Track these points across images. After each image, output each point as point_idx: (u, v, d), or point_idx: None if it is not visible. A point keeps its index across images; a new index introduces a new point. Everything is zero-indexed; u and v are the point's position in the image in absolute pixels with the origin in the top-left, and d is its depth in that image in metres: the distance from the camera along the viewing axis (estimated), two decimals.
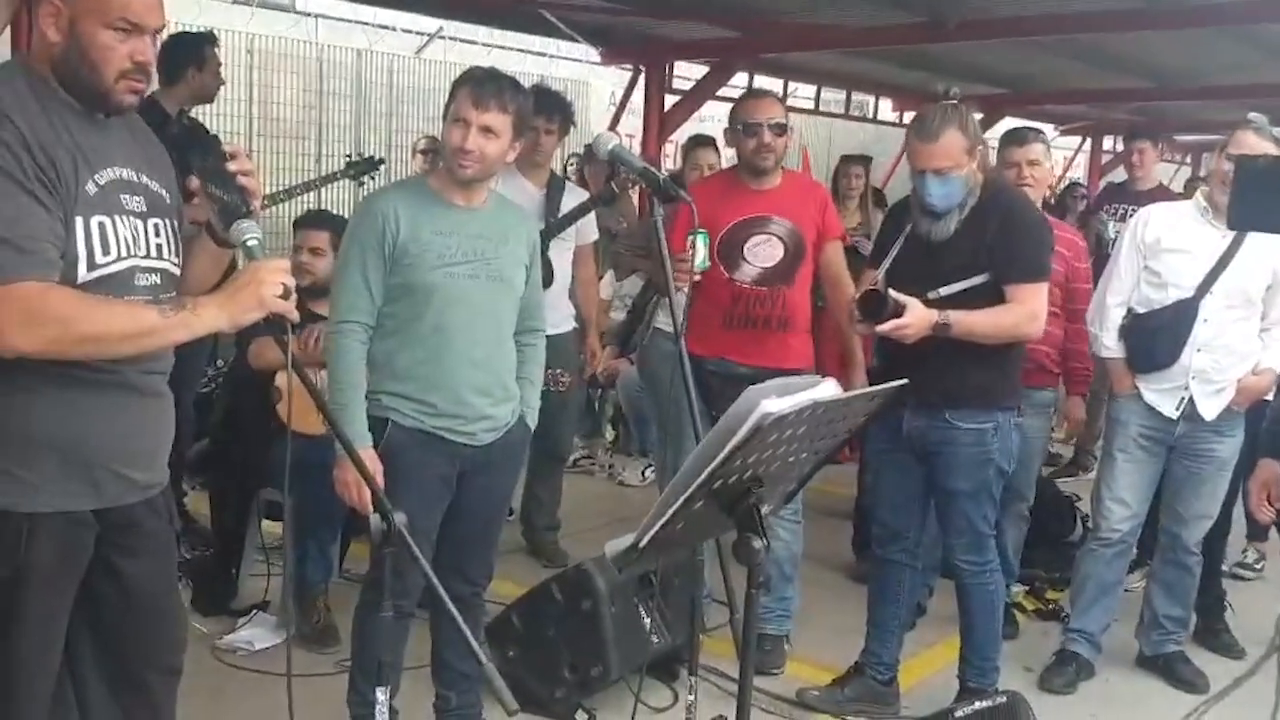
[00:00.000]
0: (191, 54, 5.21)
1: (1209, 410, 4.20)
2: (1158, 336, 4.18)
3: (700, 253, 3.96)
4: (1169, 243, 4.19)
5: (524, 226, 3.46)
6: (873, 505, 4.12)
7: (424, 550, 3.33)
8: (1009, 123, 12.38)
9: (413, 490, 3.17)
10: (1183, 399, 4.20)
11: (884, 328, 3.58)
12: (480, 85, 3.20)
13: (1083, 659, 4.43)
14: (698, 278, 3.97)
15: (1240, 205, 3.90)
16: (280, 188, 6.12)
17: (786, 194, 4.30)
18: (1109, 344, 4.32)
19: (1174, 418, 4.22)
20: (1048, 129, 9.89)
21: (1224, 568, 5.16)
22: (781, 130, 4.23)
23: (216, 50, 5.35)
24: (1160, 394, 4.23)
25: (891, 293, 3.58)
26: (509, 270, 3.34)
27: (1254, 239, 4.10)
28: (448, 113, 3.23)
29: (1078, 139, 14.57)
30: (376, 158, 5.99)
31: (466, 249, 3.26)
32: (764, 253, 4.22)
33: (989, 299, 3.68)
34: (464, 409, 3.29)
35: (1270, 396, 4.47)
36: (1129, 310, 4.28)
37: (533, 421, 3.53)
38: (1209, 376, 4.18)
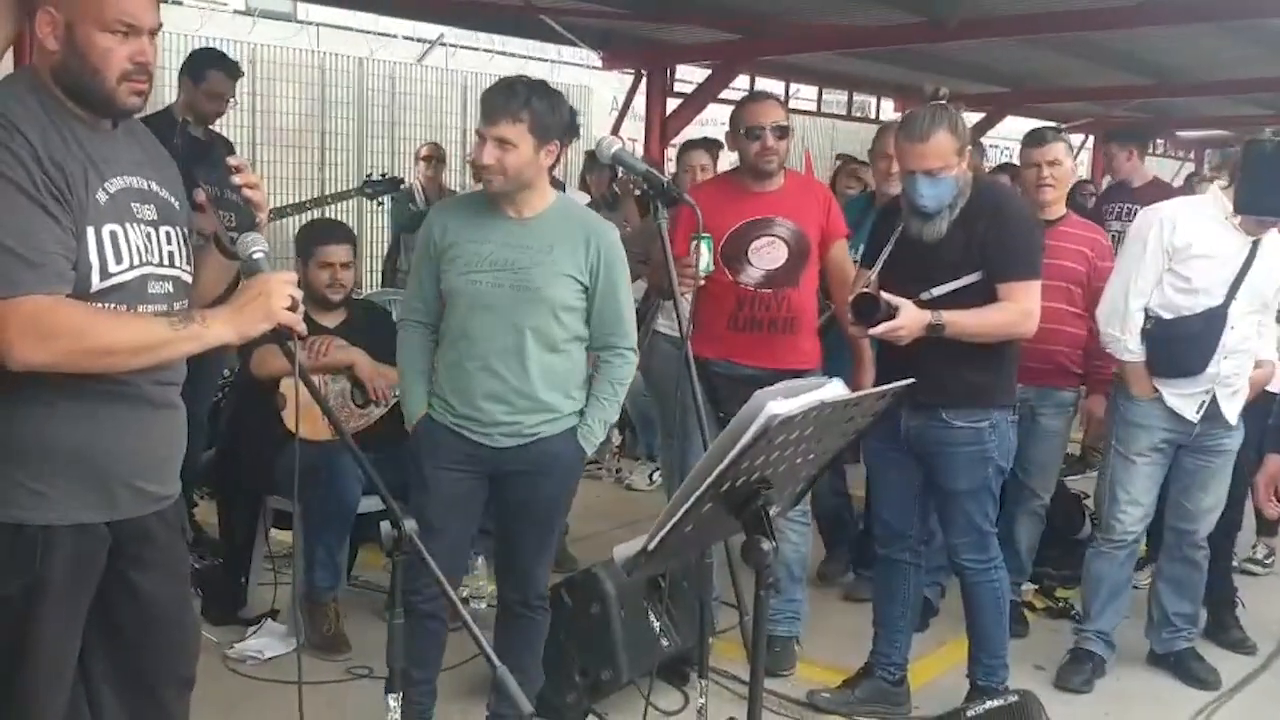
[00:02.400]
0: (195, 67, 5.16)
1: (1232, 412, 4.18)
2: (1190, 345, 4.09)
3: (704, 257, 3.96)
4: (1199, 248, 4.07)
5: (584, 235, 3.34)
6: (873, 505, 4.11)
7: (461, 543, 3.50)
8: (1011, 121, 12.42)
9: (434, 472, 3.35)
10: (1203, 402, 4.16)
11: (877, 330, 3.59)
12: (490, 99, 3.22)
13: (1098, 658, 4.41)
14: (702, 282, 3.97)
15: (1249, 189, 3.90)
16: (289, 201, 6.06)
17: (789, 195, 4.29)
18: (1133, 348, 4.17)
19: (1195, 420, 4.18)
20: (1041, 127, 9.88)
21: (1234, 563, 5.16)
22: (784, 133, 4.22)
23: (226, 78, 5.23)
24: (1183, 398, 4.16)
25: (884, 295, 3.59)
26: (542, 280, 3.27)
27: (1269, 242, 4.08)
28: None
29: (1080, 136, 14.57)
30: (399, 178, 5.89)
31: (497, 257, 3.28)
32: (768, 255, 4.22)
33: (982, 297, 3.68)
34: (478, 413, 3.34)
35: (1277, 390, 4.48)
36: (1146, 314, 4.17)
37: (588, 442, 3.42)
38: (1230, 381, 4.15)
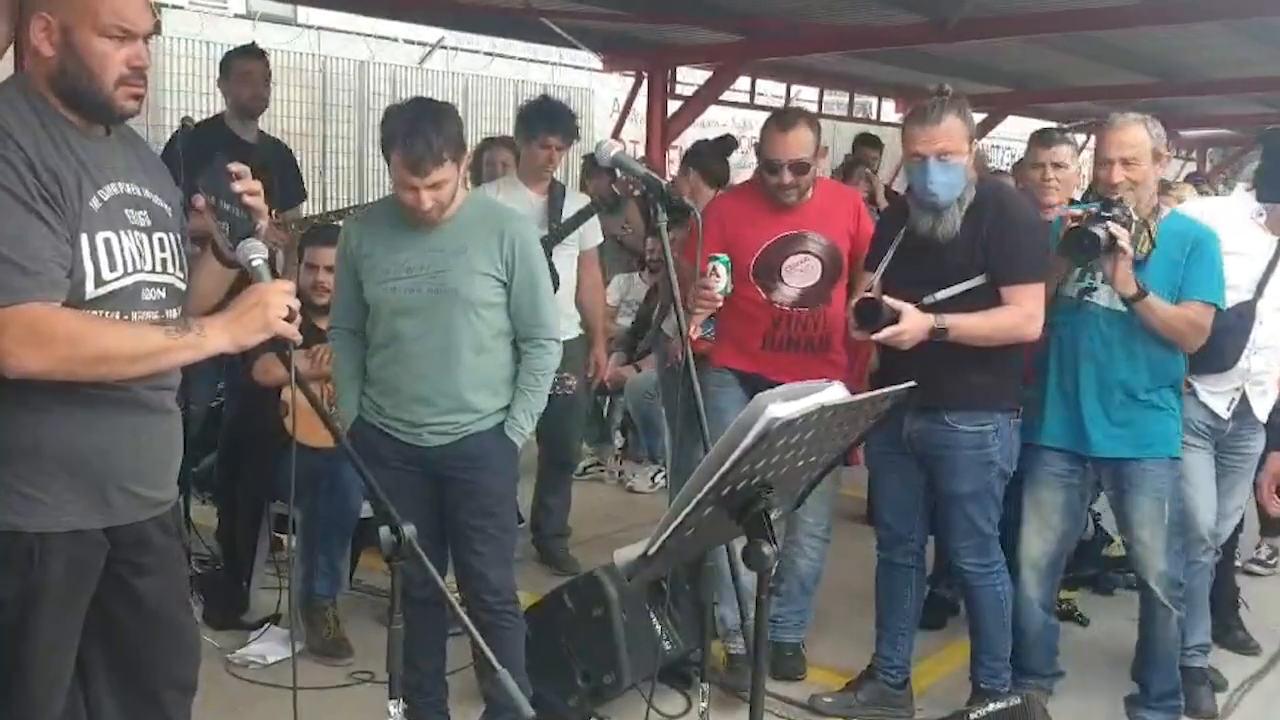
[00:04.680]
0: (221, 66, 5.53)
1: (1262, 410, 4.16)
2: (1222, 338, 4.01)
3: (723, 279, 3.94)
4: (1228, 245, 4.00)
5: (495, 230, 3.38)
6: (875, 508, 4.08)
7: (432, 537, 3.37)
8: (1014, 121, 12.40)
9: (375, 472, 3.21)
10: (1233, 400, 4.13)
11: (880, 335, 3.57)
12: (410, 151, 3.16)
13: (1209, 671, 4.33)
14: (720, 303, 3.95)
15: (1269, 178, 3.90)
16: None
17: (820, 207, 4.17)
18: None
19: (1227, 418, 4.15)
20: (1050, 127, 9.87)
21: (1237, 564, 5.14)
22: (804, 169, 4.06)
23: (248, 61, 5.50)
24: (1215, 395, 4.12)
25: (886, 299, 3.57)
26: (457, 281, 3.32)
27: None
28: (390, 162, 3.25)
29: (1083, 136, 14.55)
30: None
31: (413, 264, 3.35)
32: (801, 272, 4.11)
33: (986, 300, 3.67)
34: (408, 414, 3.42)
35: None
36: None
37: (515, 435, 3.47)
38: (1260, 378, 4.14)
